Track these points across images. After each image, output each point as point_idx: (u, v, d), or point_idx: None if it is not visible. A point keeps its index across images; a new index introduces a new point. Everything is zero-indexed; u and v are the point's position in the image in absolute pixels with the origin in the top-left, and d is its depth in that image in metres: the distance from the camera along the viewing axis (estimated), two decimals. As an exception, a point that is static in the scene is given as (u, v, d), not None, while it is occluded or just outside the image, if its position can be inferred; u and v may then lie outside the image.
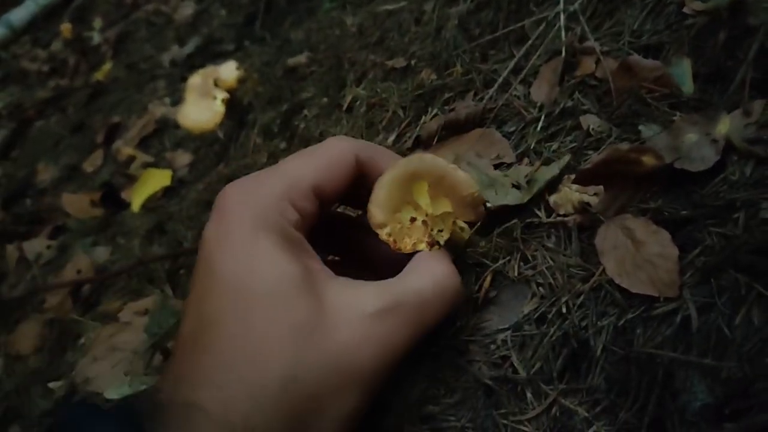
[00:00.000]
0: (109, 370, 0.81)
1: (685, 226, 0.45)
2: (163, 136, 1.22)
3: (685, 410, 0.39)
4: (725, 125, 0.48)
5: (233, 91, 0.95)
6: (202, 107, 0.91)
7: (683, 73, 0.57)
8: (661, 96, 0.56)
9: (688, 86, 0.56)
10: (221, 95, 0.91)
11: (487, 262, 0.51)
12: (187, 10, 1.68)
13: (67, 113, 1.74)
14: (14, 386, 0.91)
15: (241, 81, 0.97)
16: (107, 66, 1.75)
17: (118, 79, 1.66)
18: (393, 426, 0.46)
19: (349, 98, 0.82)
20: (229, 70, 0.95)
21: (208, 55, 1.43)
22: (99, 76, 1.72)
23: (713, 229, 0.44)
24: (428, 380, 0.47)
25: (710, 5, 0.57)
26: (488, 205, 0.54)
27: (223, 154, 1.00)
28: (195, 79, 0.97)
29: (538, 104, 0.64)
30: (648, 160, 0.47)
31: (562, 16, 0.64)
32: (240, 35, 1.40)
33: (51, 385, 0.86)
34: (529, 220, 0.52)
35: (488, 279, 0.50)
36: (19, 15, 2.41)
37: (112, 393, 0.75)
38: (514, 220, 0.52)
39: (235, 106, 0.97)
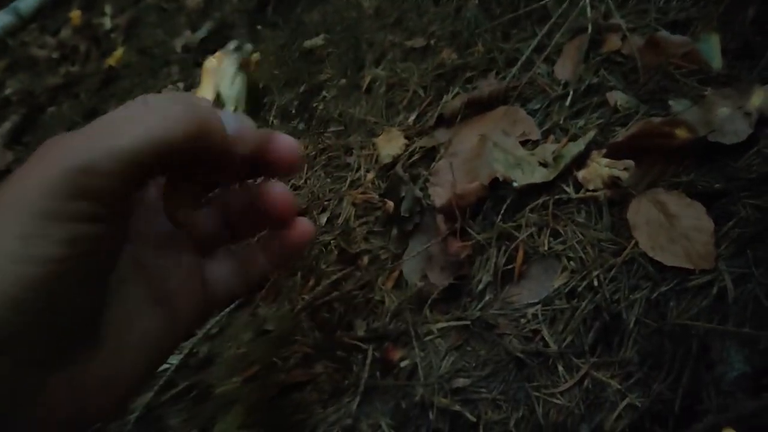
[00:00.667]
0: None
1: (719, 199, 0.45)
2: (178, 121, 1.22)
3: (721, 381, 0.39)
4: (758, 98, 0.48)
5: (249, 74, 0.95)
6: (216, 82, 0.91)
7: (712, 48, 0.56)
8: (690, 72, 0.56)
9: (717, 61, 0.56)
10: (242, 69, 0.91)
11: (517, 234, 0.51)
12: (198, -5, 1.67)
13: (80, 99, 1.74)
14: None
15: (256, 63, 0.97)
16: (119, 52, 1.75)
17: (131, 65, 1.65)
18: (423, 397, 0.46)
19: (368, 79, 0.82)
20: (245, 53, 0.94)
21: (221, 40, 1.42)
22: (111, 62, 1.72)
23: (748, 201, 0.44)
24: (458, 353, 0.47)
25: (741, -21, 0.56)
26: (515, 184, 0.54)
27: (239, 137, 1.00)
28: (210, 62, 0.97)
29: (563, 81, 0.63)
30: (681, 132, 0.47)
31: (587, -7, 0.64)
32: (252, 20, 1.40)
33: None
34: (558, 197, 0.52)
35: (521, 254, 0.50)
36: (26, 2, 2.41)
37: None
38: (544, 197, 0.52)
39: (251, 88, 0.97)
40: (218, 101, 0.91)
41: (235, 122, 0.30)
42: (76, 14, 2.18)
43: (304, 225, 0.36)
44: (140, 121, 0.26)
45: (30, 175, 0.26)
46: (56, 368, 0.26)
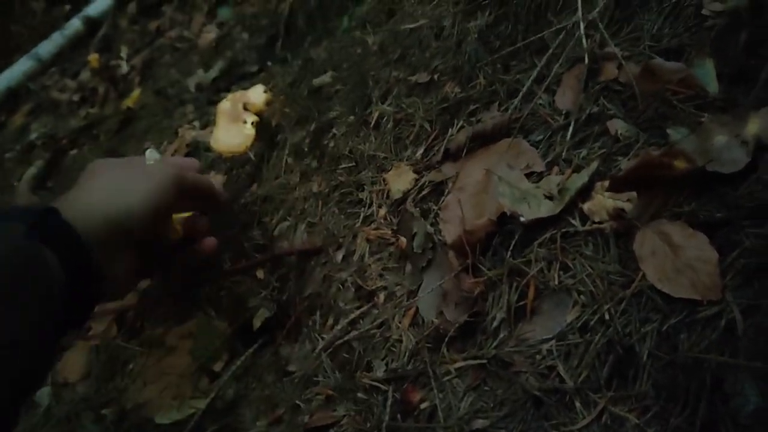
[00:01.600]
0: (157, 395, 0.84)
1: (721, 229, 0.46)
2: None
3: (738, 414, 0.39)
4: (754, 125, 0.48)
5: (262, 114, 0.98)
6: (233, 131, 0.94)
7: (707, 73, 0.57)
8: (687, 97, 0.56)
9: (713, 86, 0.56)
10: (251, 119, 0.94)
11: (527, 270, 0.53)
12: (210, 35, 1.72)
13: (100, 141, 1.80)
14: (64, 414, 0.95)
15: (268, 103, 1.00)
16: (136, 93, 1.81)
17: (147, 106, 1.71)
18: (444, 439, 0.47)
19: (375, 115, 0.84)
20: (257, 94, 0.97)
21: (233, 77, 1.46)
22: (128, 103, 1.78)
23: (750, 230, 0.44)
24: (476, 393, 0.49)
25: (729, 5, 0.57)
26: (522, 219, 0.55)
27: (255, 175, 1.02)
28: (225, 104, 1.00)
29: (564, 111, 0.64)
30: (679, 164, 0.48)
31: (581, 24, 0.65)
32: (262, 57, 1.44)
33: (102, 411, 0.90)
34: (565, 230, 0.53)
35: (532, 289, 0.51)
36: (46, 48, 2.50)
37: (162, 418, 0.78)
38: (551, 231, 0.53)
39: (264, 127, 1.00)
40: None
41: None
42: (94, 57, 2.26)
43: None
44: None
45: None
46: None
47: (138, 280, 0.59)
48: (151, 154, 0.56)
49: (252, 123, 0.93)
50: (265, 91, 0.99)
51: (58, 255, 0.45)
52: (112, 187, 0.51)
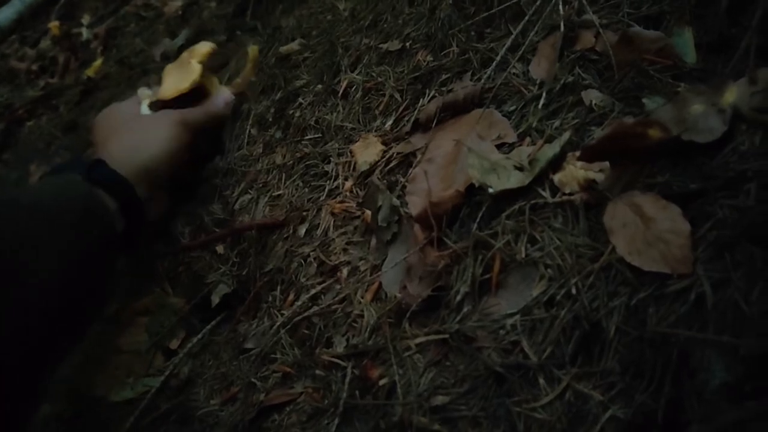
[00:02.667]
0: (111, 373, 0.80)
1: (695, 200, 0.44)
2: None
3: (704, 389, 0.37)
4: (732, 94, 0.46)
5: (206, 63, 0.94)
6: (179, 76, 0.89)
7: (685, 43, 0.55)
8: (664, 67, 0.54)
9: (691, 56, 0.54)
10: (197, 59, 0.90)
11: (494, 242, 0.50)
12: (176, 3, 1.65)
13: (59, 112, 1.71)
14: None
15: (213, 53, 0.95)
16: (98, 62, 1.72)
17: (110, 75, 1.63)
18: (401, 416, 0.45)
19: (344, 84, 0.80)
20: (202, 45, 0.93)
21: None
22: (90, 72, 1.69)
23: (725, 202, 0.42)
24: (437, 369, 0.46)
25: (712, -29, 0.55)
26: (491, 190, 0.52)
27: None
28: (170, 65, 0.95)
29: (538, 81, 0.62)
30: (654, 133, 0.46)
31: (559, -10, 0.62)
32: (231, 26, 1.38)
33: (56, 389, 0.85)
34: (534, 201, 0.51)
35: (497, 262, 0.48)
36: (5, 14, 2.37)
37: (115, 396, 0.74)
38: (520, 202, 0.51)
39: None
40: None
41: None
42: (54, 24, 2.15)
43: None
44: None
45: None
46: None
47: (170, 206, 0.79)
48: (142, 93, 0.72)
49: (198, 62, 0.89)
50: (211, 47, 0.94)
51: (113, 195, 0.60)
52: (135, 144, 0.67)
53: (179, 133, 0.72)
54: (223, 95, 0.88)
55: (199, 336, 0.73)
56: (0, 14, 2.41)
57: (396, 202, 0.62)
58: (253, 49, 0.98)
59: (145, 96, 0.69)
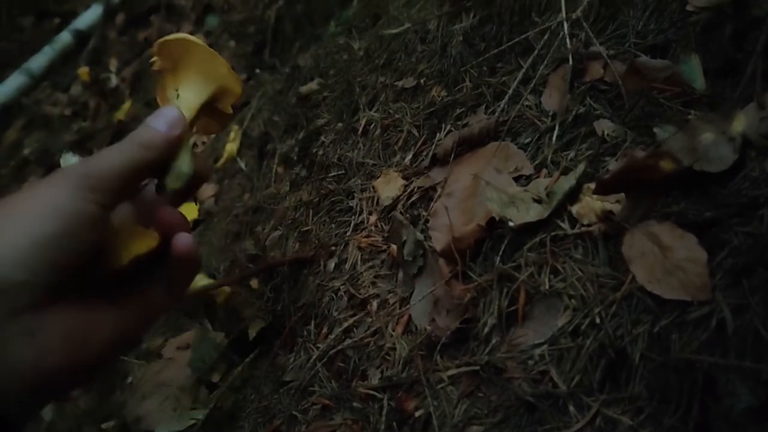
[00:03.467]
0: (157, 407, 0.83)
1: (710, 228, 0.45)
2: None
3: (730, 413, 0.39)
4: (740, 122, 0.48)
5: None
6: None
7: (693, 69, 0.57)
8: (673, 95, 0.56)
9: (699, 83, 0.56)
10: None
11: (517, 275, 0.52)
12: (197, 44, 1.72)
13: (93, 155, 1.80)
14: (67, 428, 0.95)
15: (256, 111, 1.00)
16: (127, 105, 1.81)
17: (138, 117, 1.71)
18: (440, 448, 0.47)
19: (363, 121, 0.84)
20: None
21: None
22: (120, 115, 1.78)
23: (739, 229, 0.44)
24: (470, 400, 0.48)
25: (713, 0, 0.57)
26: (511, 224, 0.55)
27: (246, 185, 1.02)
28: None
29: (551, 113, 0.64)
30: (666, 164, 0.48)
31: (565, 24, 0.65)
32: (250, 64, 1.43)
33: (103, 425, 0.90)
34: (554, 233, 0.53)
35: (522, 294, 0.50)
36: (37, 62, 2.50)
37: (163, 429, 0.78)
38: (541, 234, 0.53)
39: (253, 137, 1.00)
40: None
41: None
42: (84, 71, 2.26)
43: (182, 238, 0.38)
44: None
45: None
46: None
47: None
48: (66, 160, 0.41)
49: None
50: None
51: None
52: None
53: (75, 202, 0.34)
54: (166, 112, 0.41)
55: (239, 369, 0.76)
56: (32, 63, 2.54)
57: (420, 236, 0.64)
58: (230, 147, 0.99)
59: (69, 163, 0.41)
